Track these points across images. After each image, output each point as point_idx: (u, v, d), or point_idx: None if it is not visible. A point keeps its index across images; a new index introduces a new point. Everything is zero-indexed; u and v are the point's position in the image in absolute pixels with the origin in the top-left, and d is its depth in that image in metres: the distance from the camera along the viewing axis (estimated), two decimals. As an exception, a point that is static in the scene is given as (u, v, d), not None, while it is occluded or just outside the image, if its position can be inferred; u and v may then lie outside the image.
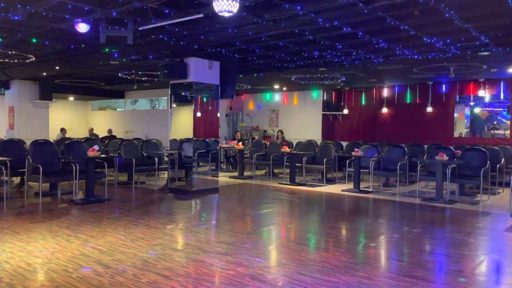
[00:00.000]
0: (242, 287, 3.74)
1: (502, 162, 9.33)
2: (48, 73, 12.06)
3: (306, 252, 4.98)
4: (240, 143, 12.71)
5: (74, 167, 7.71)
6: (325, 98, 15.11)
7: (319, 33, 7.44)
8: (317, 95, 15.27)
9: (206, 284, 3.81)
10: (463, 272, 4.32)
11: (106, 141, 12.11)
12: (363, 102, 14.70)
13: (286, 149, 11.18)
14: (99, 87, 15.81)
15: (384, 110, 14.01)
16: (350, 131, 15.01)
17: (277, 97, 16.34)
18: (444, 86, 12.91)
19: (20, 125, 13.95)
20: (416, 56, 9.18)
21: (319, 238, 5.80)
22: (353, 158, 9.66)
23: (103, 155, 8.59)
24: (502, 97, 12.86)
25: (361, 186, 9.70)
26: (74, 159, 7.90)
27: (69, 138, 12.26)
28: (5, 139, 11.07)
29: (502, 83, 11.90)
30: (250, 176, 11.97)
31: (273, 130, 16.14)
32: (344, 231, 6.31)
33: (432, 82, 12.92)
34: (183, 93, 9.61)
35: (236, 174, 12.14)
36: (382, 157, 9.91)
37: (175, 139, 9.93)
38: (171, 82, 9.45)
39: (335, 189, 9.96)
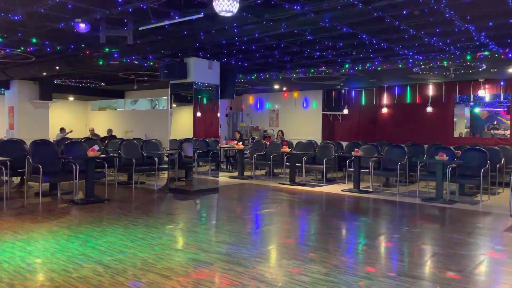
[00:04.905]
0: (242, 287, 3.74)
1: (502, 162, 9.32)
2: (48, 73, 12.05)
3: (306, 252, 4.97)
4: (240, 143, 12.71)
5: (74, 167, 7.71)
6: (325, 98, 15.11)
7: (319, 33, 7.45)
8: (317, 95, 15.26)
9: (206, 284, 3.81)
10: (463, 272, 4.32)
11: (106, 141, 12.11)
12: (363, 102, 14.70)
13: (286, 149, 11.18)
14: (99, 87, 15.81)
15: (384, 110, 14.00)
16: (350, 131, 15.00)
17: (277, 97, 16.34)
18: (444, 86, 12.91)
19: (20, 125, 13.94)
20: (416, 56, 9.18)
21: (319, 238, 5.80)
22: (353, 158, 9.66)
23: (103, 155, 8.59)
24: (502, 97, 12.85)
25: (361, 186, 9.69)
26: (74, 159, 7.91)
27: (69, 138, 12.26)
28: (5, 139, 11.07)
29: (502, 83, 11.90)
30: (250, 176, 11.97)
31: (273, 130, 16.14)
32: (344, 231, 6.31)
33: (432, 82, 12.92)
34: (183, 93, 9.61)
35: (236, 174, 12.14)
36: (382, 157, 9.92)
37: (175, 139, 9.92)
38: (171, 82, 9.45)
39: (335, 189, 9.96)
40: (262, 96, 16.75)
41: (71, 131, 15.12)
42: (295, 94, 15.72)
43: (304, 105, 15.62)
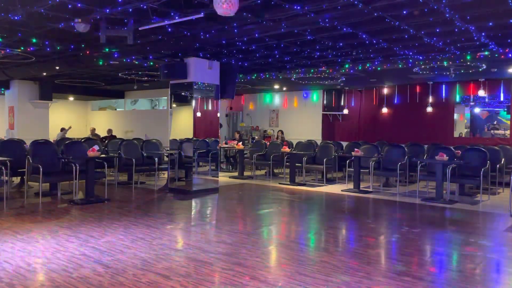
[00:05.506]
0: (242, 287, 3.74)
1: (502, 162, 9.33)
2: (48, 73, 12.05)
3: (306, 252, 4.97)
4: (240, 143, 12.72)
5: (74, 167, 7.71)
6: (325, 98, 15.11)
7: (319, 33, 7.44)
8: (317, 95, 15.26)
9: (206, 284, 3.81)
10: (463, 272, 4.32)
11: (106, 141, 12.11)
12: (363, 102, 14.70)
13: (286, 149, 11.18)
14: (99, 87, 15.81)
15: (384, 110, 13.99)
16: (350, 131, 15.01)
17: (277, 97, 16.34)
18: (444, 86, 12.91)
19: (20, 125, 13.94)
20: (416, 56, 9.17)
21: (319, 238, 5.80)
22: (353, 158, 9.66)
23: (103, 155, 8.59)
24: (502, 97, 12.85)
25: (361, 186, 9.70)
26: (74, 159, 7.91)
27: (69, 138, 12.26)
28: (5, 139, 11.07)
29: (502, 83, 11.90)
30: (250, 176, 11.97)
31: (273, 130, 16.14)
32: (344, 231, 6.31)
33: (432, 82, 12.91)
34: (183, 93, 9.61)
35: (236, 174, 12.14)
36: (382, 157, 9.92)
37: (175, 139, 9.92)
38: (171, 82, 9.45)
39: (335, 189, 9.96)
40: (262, 96, 16.73)
41: (70, 127, 15.16)
42: (295, 95, 15.71)
43: (304, 105, 15.61)
